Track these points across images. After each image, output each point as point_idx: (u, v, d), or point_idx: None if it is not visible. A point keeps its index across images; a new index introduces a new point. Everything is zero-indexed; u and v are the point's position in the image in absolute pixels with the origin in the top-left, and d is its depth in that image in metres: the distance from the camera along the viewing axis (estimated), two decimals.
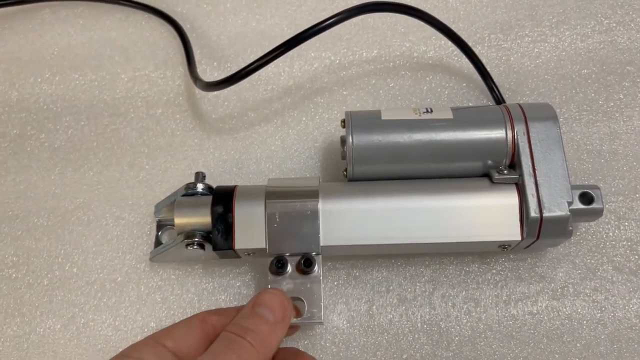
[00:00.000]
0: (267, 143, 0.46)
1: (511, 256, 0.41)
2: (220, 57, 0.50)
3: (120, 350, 0.30)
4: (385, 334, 0.40)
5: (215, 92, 0.48)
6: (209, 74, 0.49)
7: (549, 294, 0.40)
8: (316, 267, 0.36)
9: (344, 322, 0.40)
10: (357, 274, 0.42)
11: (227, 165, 0.46)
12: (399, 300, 0.41)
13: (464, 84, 0.47)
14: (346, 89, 0.48)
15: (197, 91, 0.48)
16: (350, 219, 0.36)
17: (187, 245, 0.37)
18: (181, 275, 0.42)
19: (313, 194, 0.37)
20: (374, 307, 0.41)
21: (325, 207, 0.36)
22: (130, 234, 0.43)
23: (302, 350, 0.38)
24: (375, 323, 0.40)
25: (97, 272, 0.43)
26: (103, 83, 0.50)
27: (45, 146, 0.47)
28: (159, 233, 0.42)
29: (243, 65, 0.40)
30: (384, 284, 0.41)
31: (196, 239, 0.37)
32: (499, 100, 0.44)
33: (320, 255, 0.36)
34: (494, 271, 0.41)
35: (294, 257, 0.36)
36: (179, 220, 0.37)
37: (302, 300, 0.35)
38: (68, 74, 0.50)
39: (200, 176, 0.40)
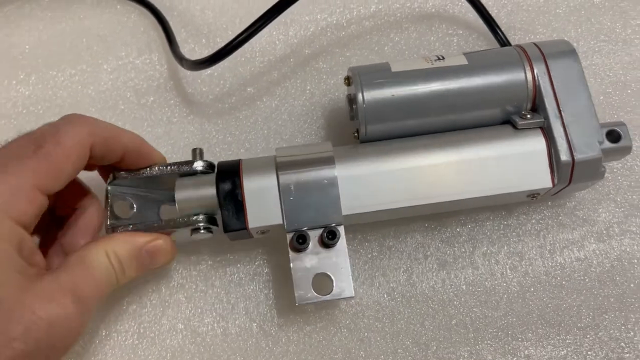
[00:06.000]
0: (272, 118, 0.45)
1: (549, 203, 0.41)
2: (208, 33, 0.48)
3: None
4: (430, 301, 0.39)
5: (208, 71, 0.47)
6: (199, 53, 0.47)
7: (594, 236, 0.40)
8: (340, 239, 0.34)
9: (384, 296, 0.39)
10: (391, 243, 0.41)
11: (234, 147, 0.44)
12: (439, 264, 0.40)
13: (473, 29, 0.46)
14: (348, 50, 0.46)
15: (189, 72, 0.46)
16: (371, 183, 0.35)
17: (193, 231, 0.36)
18: (203, 269, 0.41)
19: (328, 160, 0.35)
20: (414, 275, 0.40)
21: (343, 173, 0.35)
22: None
23: (343, 330, 0.38)
24: (418, 292, 0.39)
25: None
26: (85, 77, 0.47)
27: None
28: (112, 204, 0.37)
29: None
30: (420, 250, 0.40)
31: (201, 224, 0.35)
32: (503, 43, 0.43)
33: (343, 226, 0.35)
34: (534, 221, 0.40)
35: (314, 230, 0.35)
36: (182, 204, 0.35)
37: (330, 276, 0.34)
38: (44, 72, 0.48)
39: (198, 152, 0.37)
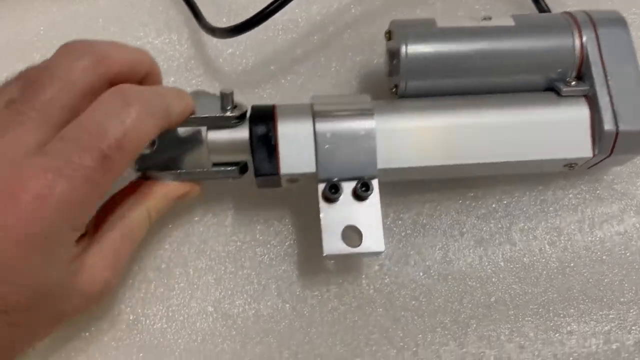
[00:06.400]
0: (298, 97, 0.44)
1: (586, 177, 0.40)
2: (229, 12, 0.47)
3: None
4: (468, 279, 0.38)
5: (230, 50, 0.46)
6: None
7: (634, 209, 0.39)
8: (374, 192, 0.33)
9: (421, 274, 0.38)
10: (425, 221, 0.40)
11: None
12: (476, 241, 0.39)
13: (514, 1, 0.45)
14: (374, 26, 0.45)
15: (211, 51, 0.45)
16: (409, 138, 0.34)
17: (223, 176, 0.35)
18: (232, 251, 0.40)
19: (367, 112, 0.34)
20: (450, 252, 0.39)
21: (381, 126, 0.34)
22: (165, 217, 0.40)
23: (379, 309, 0.37)
24: (455, 269, 0.38)
25: (137, 262, 0.40)
26: None
27: None
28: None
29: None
30: (456, 227, 0.39)
31: (233, 174, 0.34)
32: (543, 9, 0.42)
33: (377, 180, 0.34)
34: (571, 195, 0.39)
35: (346, 182, 0.34)
36: (214, 147, 0.34)
37: (359, 229, 0.33)
38: None
39: (229, 99, 0.33)
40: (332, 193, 0.33)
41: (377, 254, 0.33)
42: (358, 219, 0.33)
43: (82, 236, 0.30)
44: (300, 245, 0.40)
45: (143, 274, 0.40)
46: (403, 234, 0.40)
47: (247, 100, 0.43)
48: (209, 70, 0.45)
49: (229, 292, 0.39)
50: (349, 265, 0.39)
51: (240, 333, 0.38)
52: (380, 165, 0.34)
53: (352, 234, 0.33)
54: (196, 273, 0.40)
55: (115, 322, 0.39)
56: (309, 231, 0.40)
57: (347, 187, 0.34)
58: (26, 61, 0.45)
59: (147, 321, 0.39)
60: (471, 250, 0.39)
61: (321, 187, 0.34)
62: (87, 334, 0.39)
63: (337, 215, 0.33)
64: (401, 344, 0.37)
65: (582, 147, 0.35)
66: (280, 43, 0.46)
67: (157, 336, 0.38)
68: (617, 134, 0.34)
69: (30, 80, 0.28)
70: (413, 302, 0.38)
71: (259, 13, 0.37)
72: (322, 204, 0.34)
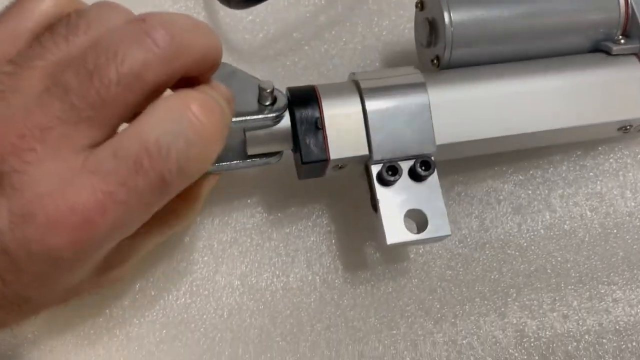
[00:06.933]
0: (323, 63, 0.42)
1: (626, 142, 0.38)
2: None
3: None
4: (506, 247, 0.37)
5: (250, 17, 0.44)
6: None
7: None
8: (434, 171, 0.32)
9: (456, 243, 0.37)
10: (460, 189, 0.38)
11: None
12: (513, 209, 0.37)
13: None
14: None
15: (229, 19, 0.44)
16: (465, 111, 0.33)
17: (257, 164, 0.32)
18: (257, 222, 0.38)
19: (419, 85, 0.32)
20: (487, 220, 0.37)
21: (436, 100, 0.32)
22: None
23: (414, 280, 0.36)
24: (492, 237, 0.37)
25: None
26: None
27: None
28: None
29: None
30: (492, 194, 0.38)
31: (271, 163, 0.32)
32: None
33: (434, 157, 0.32)
34: (611, 160, 0.38)
35: (403, 162, 0.32)
36: (252, 138, 0.31)
37: (423, 212, 0.31)
38: None
39: (270, 94, 0.30)
40: (390, 175, 0.31)
41: (444, 238, 0.31)
42: (419, 202, 0.31)
43: None
44: (329, 215, 0.38)
45: (165, 249, 0.38)
46: None
47: (270, 68, 0.42)
48: (229, 38, 0.44)
49: (256, 264, 0.38)
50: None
51: (269, 307, 0.36)
52: (439, 141, 0.32)
53: (414, 219, 0.31)
54: (220, 246, 0.38)
55: (136, 299, 0.37)
56: (337, 201, 0.38)
57: (406, 166, 0.31)
58: None
59: (170, 296, 0.37)
60: (509, 218, 0.37)
61: (375, 170, 0.31)
62: (108, 310, 0.37)
63: (396, 200, 0.31)
64: (438, 315, 0.35)
65: (638, 107, 0.34)
66: (302, 10, 0.44)
67: (181, 311, 0.37)
68: None
69: (91, 62, 0.22)
70: (449, 272, 0.36)
71: None
72: (379, 188, 0.31)
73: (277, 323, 0.36)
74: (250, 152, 0.32)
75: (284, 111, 0.31)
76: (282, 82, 0.41)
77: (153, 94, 0.23)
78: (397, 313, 0.36)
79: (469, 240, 0.37)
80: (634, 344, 0.34)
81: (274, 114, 0.31)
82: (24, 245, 0.21)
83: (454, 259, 0.37)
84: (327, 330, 0.36)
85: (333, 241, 0.38)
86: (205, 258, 0.38)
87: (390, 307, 0.36)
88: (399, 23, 0.43)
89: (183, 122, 0.22)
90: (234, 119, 0.30)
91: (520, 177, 0.38)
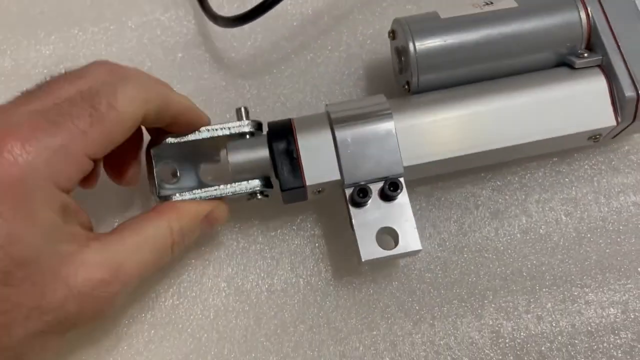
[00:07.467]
0: (308, 71, 0.44)
1: (601, 148, 0.40)
2: None
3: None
4: (484, 251, 0.38)
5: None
6: (227, 11, 0.46)
7: None
8: (402, 191, 0.33)
9: (435, 246, 0.38)
10: (439, 194, 0.39)
11: (269, 101, 0.43)
12: (491, 213, 0.39)
13: None
14: (385, 0, 0.45)
15: (218, 28, 0.45)
16: (431, 133, 0.34)
17: (250, 196, 0.35)
18: (243, 226, 0.39)
19: (385, 112, 0.34)
20: (465, 225, 0.39)
21: (401, 124, 0.34)
22: None
23: (394, 282, 0.37)
24: (470, 241, 0.38)
25: None
26: (108, 34, 0.46)
27: None
28: (156, 168, 0.35)
29: None
30: (471, 200, 0.39)
31: (258, 188, 0.34)
32: None
33: (403, 178, 0.34)
34: (587, 167, 0.39)
35: (373, 184, 0.34)
36: (235, 168, 0.34)
37: (394, 230, 0.33)
38: (65, 31, 0.46)
39: (243, 112, 0.36)
40: (361, 197, 0.33)
41: (416, 253, 0.33)
42: (390, 220, 0.33)
43: (91, 236, 0.29)
44: (313, 220, 0.39)
45: None
46: (417, 207, 0.39)
47: (258, 77, 0.43)
48: (218, 46, 0.45)
49: (242, 267, 0.39)
50: None
51: (254, 308, 0.38)
52: (406, 162, 0.34)
53: (386, 236, 0.33)
54: (207, 248, 0.39)
55: (125, 300, 0.38)
56: (321, 206, 0.39)
57: (376, 188, 0.34)
58: (30, 38, 0.45)
59: (158, 298, 0.38)
60: (487, 222, 0.39)
61: (348, 192, 0.34)
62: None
63: (369, 219, 0.33)
64: (417, 316, 0.37)
65: (604, 117, 0.35)
66: (290, 18, 0.46)
67: (169, 313, 0.38)
68: (638, 98, 0.34)
69: None
70: (428, 275, 0.38)
71: (262, 3, 0.37)
72: (352, 210, 0.33)
73: (261, 324, 0.37)
74: (235, 178, 0.34)
75: (260, 126, 0.35)
76: (269, 90, 0.43)
77: None
78: (377, 314, 0.37)
79: (447, 243, 0.38)
80: (605, 344, 0.36)
81: (251, 123, 0.35)
82: None
83: (433, 262, 0.38)
84: (310, 330, 0.37)
85: (317, 245, 0.39)
86: (193, 260, 0.39)
87: (371, 308, 0.37)
88: (383, 32, 0.44)
89: (108, 78, 0.29)
90: (217, 125, 0.34)
91: (498, 182, 0.39)
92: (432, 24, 0.36)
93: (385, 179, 0.33)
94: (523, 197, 0.39)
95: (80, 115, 0.27)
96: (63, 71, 0.42)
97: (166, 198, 0.34)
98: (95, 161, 0.28)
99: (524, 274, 0.37)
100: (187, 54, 0.45)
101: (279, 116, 0.42)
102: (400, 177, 0.34)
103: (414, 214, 0.38)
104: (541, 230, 0.38)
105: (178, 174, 0.36)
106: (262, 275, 0.38)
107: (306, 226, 0.39)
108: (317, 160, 0.34)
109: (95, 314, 0.28)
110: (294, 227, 0.39)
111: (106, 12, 0.47)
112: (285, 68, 0.44)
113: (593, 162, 0.39)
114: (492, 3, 0.37)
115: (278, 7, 0.43)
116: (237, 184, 0.34)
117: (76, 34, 0.46)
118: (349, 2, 0.45)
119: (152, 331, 0.37)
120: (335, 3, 0.45)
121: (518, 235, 0.38)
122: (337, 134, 0.34)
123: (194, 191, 0.34)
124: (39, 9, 0.47)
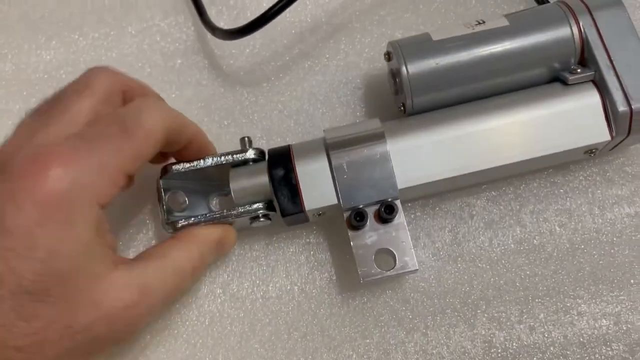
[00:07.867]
0: (306, 79, 0.44)
1: (596, 160, 0.40)
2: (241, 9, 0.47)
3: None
4: (477, 260, 0.38)
5: None
6: (227, 15, 0.46)
7: None
8: (398, 213, 0.34)
9: (430, 256, 0.39)
10: (434, 204, 0.40)
11: (267, 109, 0.43)
12: (485, 223, 0.39)
13: None
14: (382, 9, 0.45)
15: None
16: (425, 154, 0.34)
17: (253, 220, 0.36)
18: (239, 233, 0.40)
19: (379, 136, 0.35)
20: (460, 235, 0.39)
21: (395, 147, 0.34)
22: None
23: (388, 291, 0.38)
24: (465, 251, 0.38)
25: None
26: (108, 40, 0.46)
27: None
28: (166, 198, 0.36)
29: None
30: (465, 209, 0.39)
31: (261, 212, 0.35)
32: (542, 1, 0.42)
33: (399, 200, 0.34)
34: (581, 178, 0.40)
35: (370, 207, 0.34)
36: (237, 194, 0.35)
37: (391, 251, 0.34)
38: (66, 36, 0.47)
39: (247, 141, 0.37)
40: (358, 221, 0.34)
41: (413, 272, 0.34)
42: (388, 242, 0.34)
43: (119, 259, 0.30)
44: (308, 228, 0.40)
45: None
46: (412, 216, 0.40)
47: (255, 84, 0.44)
48: (216, 53, 0.45)
49: (237, 274, 0.39)
50: None
51: (249, 315, 0.38)
52: (401, 185, 0.34)
53: (384, 257, 0.34)
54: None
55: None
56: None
57: (372, 211, 0.34)
58: (31, 42, 0.46)
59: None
60: (481, 232, 0.39)
61: (346, 215, 0.34)
62: None
63: (367, 241, 0.34)
64: (410, 325, 0.37)
65: (598, 132, 0.35)
66: (288, 26, 0.46)
67: (164, 318, 0.38)
68: (631, 113, 0.34)
69: None
70: (422, 284, 0.38)
71: (261, 16, 0.38)
72: (351, 233, 0.34)
73: (256, 330, 0.38)
74: (237, 203, 0.35)
75: (262, 154, 0.36)
76: (267, 97, 0.43)
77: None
78: (371, 323, 0.37)
79: (442, 253, 0.39)
80: (597, 356, 0.36)
81: (253, 151, 0.36)
82: None
83: (427, 271, 0.38)
84: (304, 338, 0.37)
85: (312, 253, 0.39)
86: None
87: (365, 317, 0.38)
88: (381, 41, 0.44)
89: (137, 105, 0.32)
90: (222, 153, 0.36)
91: (493, 193, 0.40)
92: (424, 46, 0.36)
93: (381, 202, 0.34)
94: (517, 207, 0.39)
95: (112, 134, 0.29)
96: (63, 76, 0.43)
97: (174, 224, 0.35)
98: (130, 177, 0.30)
99: (517, 284, 0.37)
100: (186, 60, 0.45)
101: (276, 123, 0.42)
102: (397, 199, 0.34)
103: (410, 222, 0.39)
104: (535, 241, 0.38)
105: (186, 201, 0.37)
106: (257, 282, 0.39)
107: (301, 234, 0.40)
108: (315, 185, 0.35)
109: (123, 335, 0.30)
110: (289, 235, 0.40)
111: (107, 17, 0.47)
112: (283, 75, 0.44)
113: (588, 173, 0.40)
114: (484, 22, 0.37)
115: (278, 18, 0.44)
116: (240, 208, 0.35)
117: (77, 39, 0.46)
118: (348, 11, 0.46)
119: (148, 337, 0.38)
120: (334, 12, 0.46)
121: (512, 245, 0.38)
122: (332, 159, 0.34)
123: (198, 216, 0.35)
124: (40, 14, 0.47)
